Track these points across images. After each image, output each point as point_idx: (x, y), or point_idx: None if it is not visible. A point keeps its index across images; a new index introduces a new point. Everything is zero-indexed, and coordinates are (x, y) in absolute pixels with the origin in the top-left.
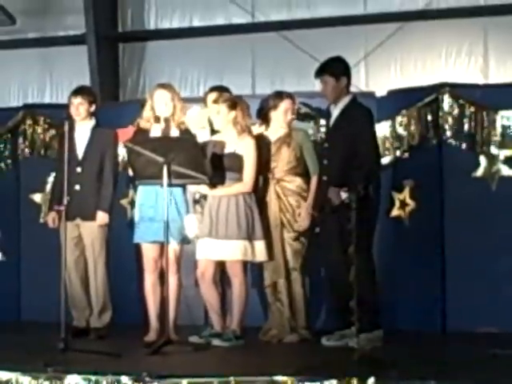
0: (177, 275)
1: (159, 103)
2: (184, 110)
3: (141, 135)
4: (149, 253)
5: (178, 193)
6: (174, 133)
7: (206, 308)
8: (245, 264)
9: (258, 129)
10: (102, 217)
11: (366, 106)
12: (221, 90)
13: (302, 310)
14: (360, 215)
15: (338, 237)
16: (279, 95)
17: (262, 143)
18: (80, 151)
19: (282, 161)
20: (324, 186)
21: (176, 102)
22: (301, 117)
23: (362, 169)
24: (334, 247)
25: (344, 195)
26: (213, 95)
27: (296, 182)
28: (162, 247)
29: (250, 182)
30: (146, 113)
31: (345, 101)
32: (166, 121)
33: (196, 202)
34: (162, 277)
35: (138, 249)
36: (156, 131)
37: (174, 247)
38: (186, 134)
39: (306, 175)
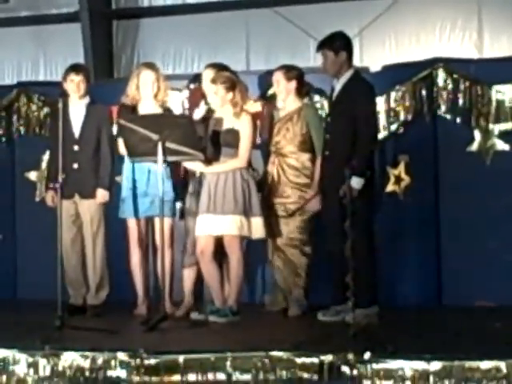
0: (169, 250)
1: (145, 84)
2: (167, 89)
3: (129, 112)
4: (134, 228)
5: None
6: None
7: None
8: (242, 240)
9: (253, 105)
10: (103, 194)
11: (367, 82)
12: (218, 67)
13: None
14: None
15: (338, 212)
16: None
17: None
18: (76, 129)
19: (286, 136)
20: (326, 161)
21: (161, 82)
22: None
23: (362, 146)
24: (333, 222)
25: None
26: (209, 72)
27: (301, 158)
28: (147, 223)
29: (245, 156)
30: (132, 91)
31: (347, 75)
32: (149, 100)
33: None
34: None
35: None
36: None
37: (159, 223)
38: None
39: (314, 152)
